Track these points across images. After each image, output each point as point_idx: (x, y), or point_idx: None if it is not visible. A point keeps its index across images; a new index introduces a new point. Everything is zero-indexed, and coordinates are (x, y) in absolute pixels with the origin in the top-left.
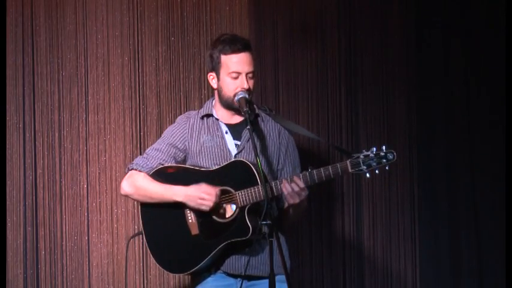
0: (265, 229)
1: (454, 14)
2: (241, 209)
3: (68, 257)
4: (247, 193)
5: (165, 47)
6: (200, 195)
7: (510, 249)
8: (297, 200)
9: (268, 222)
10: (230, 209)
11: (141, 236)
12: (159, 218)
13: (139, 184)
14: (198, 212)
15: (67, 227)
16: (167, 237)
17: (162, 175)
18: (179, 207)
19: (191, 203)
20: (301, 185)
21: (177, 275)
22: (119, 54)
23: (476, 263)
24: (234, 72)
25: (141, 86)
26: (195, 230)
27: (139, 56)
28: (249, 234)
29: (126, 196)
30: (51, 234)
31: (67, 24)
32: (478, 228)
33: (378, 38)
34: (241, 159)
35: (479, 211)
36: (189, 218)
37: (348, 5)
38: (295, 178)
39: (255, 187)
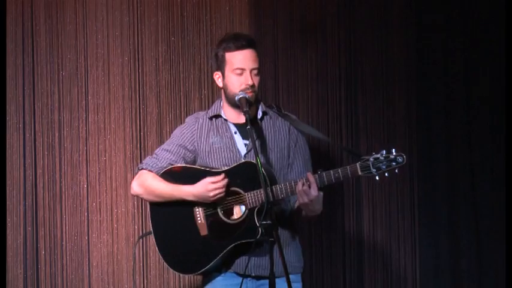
0: (263, 230)
1: (454, 14)
2: (250, 210)
3: (68, 257)
4: (257, 194)
5: (165, 47)
6: (210, 194)
7: (510, 249)
8: (305, 200)
9: (268, 222)
10: (239, 210)
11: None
12: (168, 218)
13: (148, 183)
14: (207, 213)
15: (67, 227)
16: (176, 238)
17: (172, 176)
18: (188, 207)
19: (204, 201)
20: (312, 179)
21: (177, 275)
22: (119, 54)
23: (476, 263)
24: (238, 69)
25: (141, 86)
26: (204, 231)
27: (139, 56)
28: (258, 236)
29: (136, 196)
30: (51, 234)
31: (67, 24)
32: (478, 228)
33: (378, 38)
34: (251, 160)
35: (479, 211)
36: (198, 218)
37: (348, 5)
38: (308, 175)
39: None
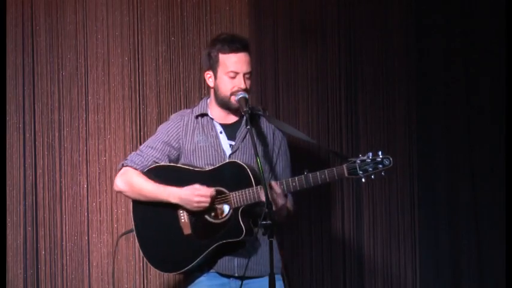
0: (259, 230)
1: (454, 14)
2: (234, 210)
3: (68, 257)
4: (241, 194)
5: (165, 47)
6: (195, 199)
7: (510, 249)
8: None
9: (268, 222)
10: (224, 210)
11: None
12: (151, 216)
13: (134, 182)
14: (191, 212)
15: (67, 227)
16: (159, 236)
17: (156, 174)
18: (172, 206)
19: (186, 205)
20: (278, 190)
21: (177, 275)
22: (119, 54)
23: (476, 263)
24: (232, 72)
25: (141, 86)
26: (187, 230)
27: (139, 56)
28: (242, 236)
29: (120, 192)
30: (51, 234)
31: (67, 24)
32: (478, 228)
33: (377, 38)
34: (236, 160)
35: (479, 211)
36: (182, 217)
37: (348, 5)
38: (273, 184)
39: (249, 188)
